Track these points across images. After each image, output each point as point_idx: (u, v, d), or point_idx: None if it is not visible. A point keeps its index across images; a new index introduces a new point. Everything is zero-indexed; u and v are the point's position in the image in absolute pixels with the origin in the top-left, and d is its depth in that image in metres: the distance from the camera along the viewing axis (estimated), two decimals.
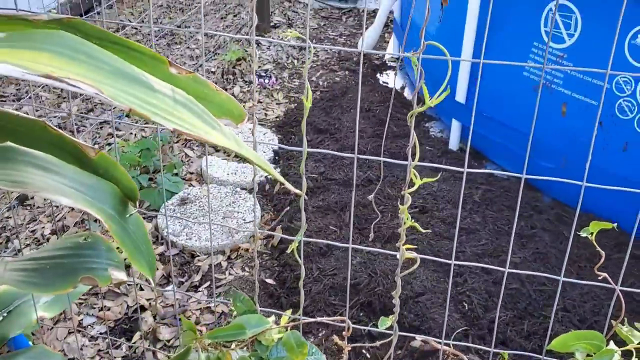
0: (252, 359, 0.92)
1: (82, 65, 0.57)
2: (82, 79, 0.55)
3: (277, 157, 2.82)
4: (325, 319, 1.10)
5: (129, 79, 0.59)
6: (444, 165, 2.75)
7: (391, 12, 3.78)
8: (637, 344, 0.93)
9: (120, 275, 0.82)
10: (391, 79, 3.60)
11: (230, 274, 2.17)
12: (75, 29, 0.72)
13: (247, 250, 2.27)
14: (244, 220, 2.38)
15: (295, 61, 3.91)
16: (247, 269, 2.19)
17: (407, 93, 3.45)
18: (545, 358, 1.06)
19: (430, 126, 3.10)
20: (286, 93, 3.50)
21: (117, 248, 0.87)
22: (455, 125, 2.83)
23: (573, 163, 2.37)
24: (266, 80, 3.58)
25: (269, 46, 4.00)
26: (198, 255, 2.23)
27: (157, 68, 0.72)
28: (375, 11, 4.39)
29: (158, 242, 2.30)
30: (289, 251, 1.14)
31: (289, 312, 1.03)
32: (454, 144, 2.87)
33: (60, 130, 0.83)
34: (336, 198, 2.44)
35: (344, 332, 1.05)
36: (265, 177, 2.66)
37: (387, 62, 3.83)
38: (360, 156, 0.96)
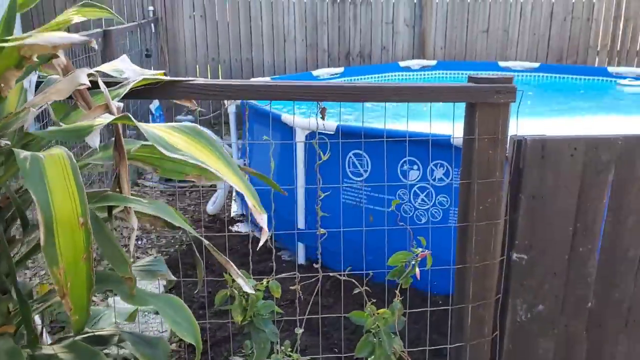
0: None
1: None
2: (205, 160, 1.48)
3: None
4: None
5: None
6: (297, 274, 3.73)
7: None
8: None
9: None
10: (242, 228, 4.60)
11: None
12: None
13: None
14: None
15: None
16: None
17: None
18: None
19: (281, 254, 4.10)
20: (158, 248, 4.30)
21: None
22: (301, 246, 3.87)
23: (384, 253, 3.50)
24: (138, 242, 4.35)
25: None
26: None
27: None
28: (213, 185, 5.46)
29: None
30: None
31: None
32: (301, 260, 3.88)
33: None
34: None
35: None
36: None
37: (234, 217, 4.85)
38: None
